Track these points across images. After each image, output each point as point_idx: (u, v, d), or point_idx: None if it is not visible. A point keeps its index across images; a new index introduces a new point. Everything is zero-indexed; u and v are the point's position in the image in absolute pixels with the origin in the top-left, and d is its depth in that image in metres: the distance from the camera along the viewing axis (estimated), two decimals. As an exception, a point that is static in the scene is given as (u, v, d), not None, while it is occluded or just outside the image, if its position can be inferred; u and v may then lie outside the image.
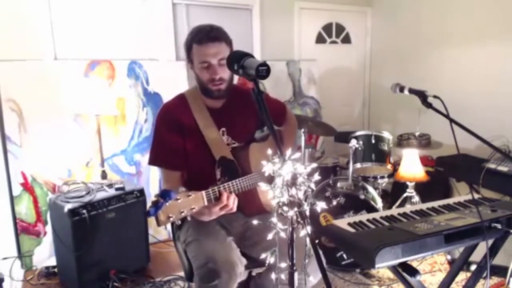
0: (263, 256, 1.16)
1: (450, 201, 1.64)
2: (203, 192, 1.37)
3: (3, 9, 2.66)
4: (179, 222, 1.30)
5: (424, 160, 3.30)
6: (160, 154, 1.71)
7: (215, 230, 1.67)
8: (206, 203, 1.37)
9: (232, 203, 1.47)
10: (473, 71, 3.54)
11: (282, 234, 1.09)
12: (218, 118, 1.73)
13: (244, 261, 1.62)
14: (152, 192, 3.12)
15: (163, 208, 1.21)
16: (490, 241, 1.50)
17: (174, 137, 1.68)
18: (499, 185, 2.73)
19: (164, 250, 3.04)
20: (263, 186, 1.12)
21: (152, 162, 1.74)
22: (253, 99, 1.69)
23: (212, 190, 1.41)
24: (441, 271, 2.59)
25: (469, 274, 1.71)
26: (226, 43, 1.64)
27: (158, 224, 1.24)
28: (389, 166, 3.04)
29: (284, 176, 1.03)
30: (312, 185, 1.06)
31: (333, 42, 4.47)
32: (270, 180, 1.68)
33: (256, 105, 1.69)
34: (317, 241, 1.74)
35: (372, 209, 2.55)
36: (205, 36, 1.59)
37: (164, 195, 1.19)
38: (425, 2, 3.93)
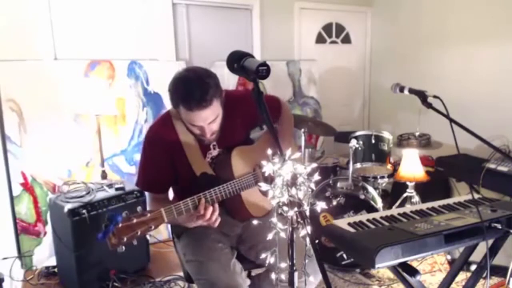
0: (263, 256, 1.16)
1: (450, 201, 1.64)
2: (162, 209, 1.36)
3: (3, 9, 2.66)
4: (135, 243, 1.28)
5: (424, 160, 3.30)
6: (147, 180, 1.68)
7: (217, 247, 1.61)
8: (166, 220, 1.36)
9: (210, 214, 1.45)
10: (473, 71, 3.54)
11: (282, 234, 1.09)
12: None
13: (248, 281, 1.61)
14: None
15: (114, 231, 1.21)
16: (490, 241, 1.50)
17: (161, 161, 1.63)
18: (499, 185, 2.73)
19: (164, 250, 3.05)
20: (263, 186, 1.11)
21: (139, 186, 1.71)
22: (241, 105, 1.68)
23: (175, 206, 1.40)
24: (441, 271, 2.59)
25: (469, 274, 1.70)
26: (217, 100, 1.50)
27: (110, 247, 1.23)
28: (389, 166, 3.04)
29: (284, 176, 1.03)
30: (312, 185, 1.05)
31: (333, 42, 4.47)
32: (257, 181, 1.68)
33: (245, 111, 1.68)
34: (317, 241, 1.74)
35: (372, 209, 2.55)
36: (195, 105, 1.44)
37: (111, 219, 1.20)
38: (425, 2, 3.93)
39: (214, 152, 1.69)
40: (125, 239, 1.24)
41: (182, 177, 1.66)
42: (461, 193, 3.17)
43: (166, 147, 1.62)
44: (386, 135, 2.99)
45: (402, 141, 3.25)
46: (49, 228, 2.73)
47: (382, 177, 3.11)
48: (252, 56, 1.14)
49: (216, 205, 1.49)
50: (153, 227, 1.31)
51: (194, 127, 1.55)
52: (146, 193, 1.78)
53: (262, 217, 1.72)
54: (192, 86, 1.46)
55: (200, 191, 1.49)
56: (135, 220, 1.26)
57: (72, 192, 2.49)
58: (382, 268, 1.28)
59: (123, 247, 1.25)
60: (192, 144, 1.63)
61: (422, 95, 1.60)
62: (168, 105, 1.85)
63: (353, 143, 2.84)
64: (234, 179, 1.61)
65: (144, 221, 1.29)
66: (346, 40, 4.55)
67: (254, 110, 1.09)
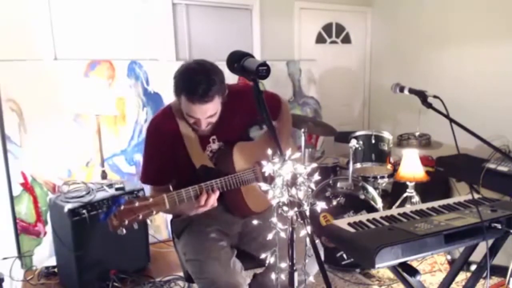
0: (262, 256, 1.15)
1: (450, 201, 1.64)
2: (165, 195, 1.38)
3: (3, 9, 2.66)
4: (136, 226, 1.30)
5: (424, 160, 3.30)
6: (151, 172, 1.70)
7: (217, 246, 1.62)
8: (167, 206, 1.38)
9: (212, 203, 1.49)
10: (473, 71, 3.53)
11: (282, 234, 1.09)
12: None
13: (248, 280, 1.62)
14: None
15: (116, 213, 1.23)
16: (490, 241, 1.50)
17: (163, 152, 1.65)
18: (499, 185, 2.73)
19: (164, 250, 3.05)
20: (263, 186, 1.11)
21: (143, 179, 1.73)
22: (242, 99, 1.69)
23: (177, 193, 1.42)
24: (441, 271, 2.59)
25: (469, 274, 1.71)
26: (219, 97, 1.53)
27: (111, 228, 1.25)
28: (389, 166, 3.04)
29: (284, 176, 1.03)
30: (312, 185, 1.05)
31: (333, 42, 4.46)
32: (257, 178, 1.69)
33: (246, 105, 1.69)
34: (317, 241, 1.74)
35: (372, 209, 2.55)
36: (197, 99, 1.47)
37: (114, 201, 1.21)
38: (425, 2, 3.92)
39: (214, 146, 1.71)
40: (126, 221, 1.25)
41: (182, 169, 1.68)
42: (461, 193, 3.17)
43: (167, 138, 1.64)
44: (386, 135, 2.99)
45: (402, 141, 3.25)
46: (49, 228, 2.73)
47: (382, 177, 3.12)
48: (252, 56, 1.14)
49: (217, 192, 1.51)
50: (154, 212, 1.33)
51: (191, 117, 1.57)
52: (148, 187, 1.78)
53: (262, 213, 1.72)
54: (198, 80, 1.47)
55: (199, 183, 1.51)
56: (137, 204, 1.28)
57: (72, 192, 2.49)
58: (382, 268, 1.28)
59: (124, 230, 1.26)
60: (192, 136, 1.65)
61: (422, 95, 1.60)
62: (168, 104, 1.85)
63: (353, 143, 2.84)
64: (235, 173, 1.63)
65: (146, 205, 1.30)
66: (346, 40, 4.55)
67: (254, 105, 1.09)
